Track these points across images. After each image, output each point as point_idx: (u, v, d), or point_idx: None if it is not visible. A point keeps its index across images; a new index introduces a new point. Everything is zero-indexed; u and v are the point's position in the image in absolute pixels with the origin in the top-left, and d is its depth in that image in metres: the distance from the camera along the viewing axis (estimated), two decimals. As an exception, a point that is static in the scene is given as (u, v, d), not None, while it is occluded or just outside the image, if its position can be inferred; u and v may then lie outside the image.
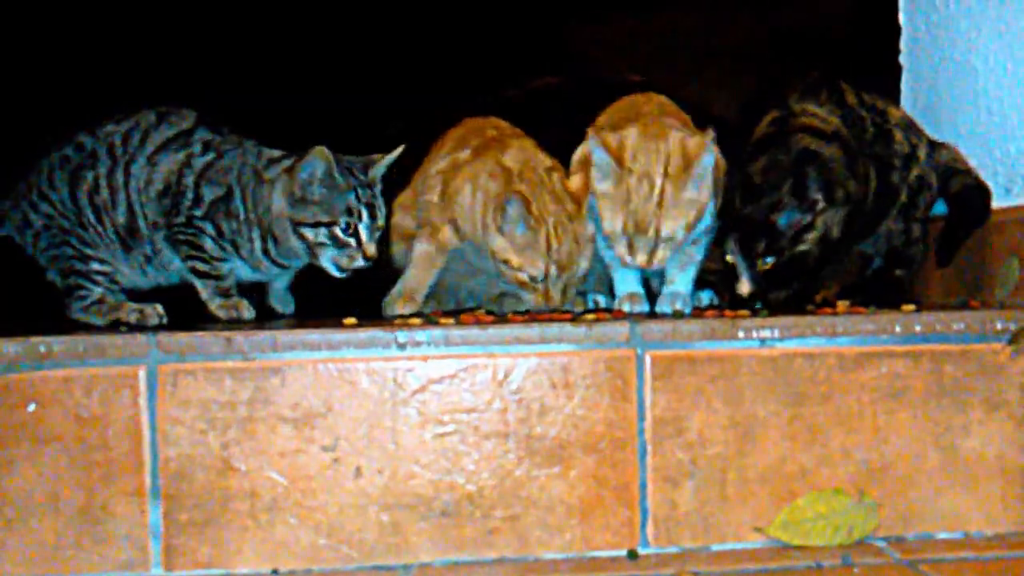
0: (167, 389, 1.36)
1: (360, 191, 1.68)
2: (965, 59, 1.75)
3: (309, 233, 1.66)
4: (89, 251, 1.70)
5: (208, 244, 1.69)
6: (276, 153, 1.72)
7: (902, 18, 1.91)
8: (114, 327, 1.60)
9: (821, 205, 1.59)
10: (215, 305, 1.69)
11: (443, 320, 1.51)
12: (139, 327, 1.57)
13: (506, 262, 1.78)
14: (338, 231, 1.66)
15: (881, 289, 1.74)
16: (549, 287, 1.76)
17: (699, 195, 1.61)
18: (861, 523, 1.42)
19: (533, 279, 1.78)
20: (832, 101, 1.70)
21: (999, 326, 1.46)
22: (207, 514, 1.35)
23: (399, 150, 1.75)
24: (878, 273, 1.78)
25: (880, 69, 1.88)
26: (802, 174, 1.58)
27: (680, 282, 1.70)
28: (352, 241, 1.67)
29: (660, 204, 1.59)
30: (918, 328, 1.45)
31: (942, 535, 1.45)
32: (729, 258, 1.63)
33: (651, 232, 1.60)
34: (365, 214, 1.68)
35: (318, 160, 1.64)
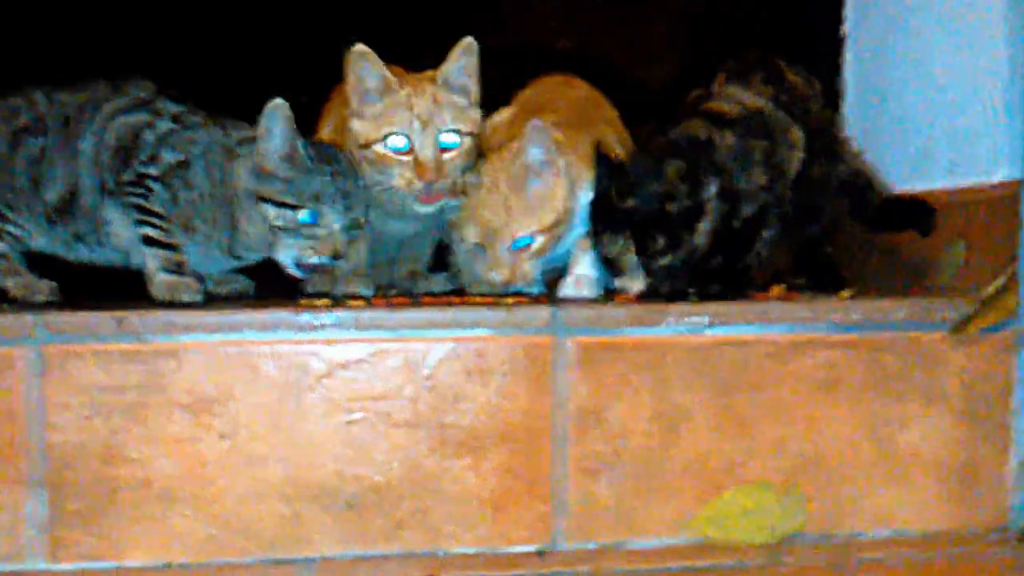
0: (54, 372, 1.27)
1: (339, 178, 1.49)
2: (914, 24, 1.62)
3: (271, 211, 1.46)
4: (9, 213, 1.59)
5: (158, 207, 1.51)
6: (248, 132, 1.53)
7: (847, -19, 1.79)
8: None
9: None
10: (157, 280, 1.49)
11: (352, 302, 1.42)
12: (25, 304, 1.47)
13: None
14: (302, 218, 1.47)
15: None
16: None
17: None
18: (789, 519, 1.36)
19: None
20: (766, 83, 1.55)
21: (940, 315, 1.39)
22: (95, 504, 1.27)
23: None
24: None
25: (821, 39, 1.79)
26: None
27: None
28: (318, 232, 1.47)
29: None
30: (856, 316, 1.38)
31: (873, 532, 1.39)
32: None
33: None
34: (340, 202, 1.48)
35: (275, 116, 1.45)
